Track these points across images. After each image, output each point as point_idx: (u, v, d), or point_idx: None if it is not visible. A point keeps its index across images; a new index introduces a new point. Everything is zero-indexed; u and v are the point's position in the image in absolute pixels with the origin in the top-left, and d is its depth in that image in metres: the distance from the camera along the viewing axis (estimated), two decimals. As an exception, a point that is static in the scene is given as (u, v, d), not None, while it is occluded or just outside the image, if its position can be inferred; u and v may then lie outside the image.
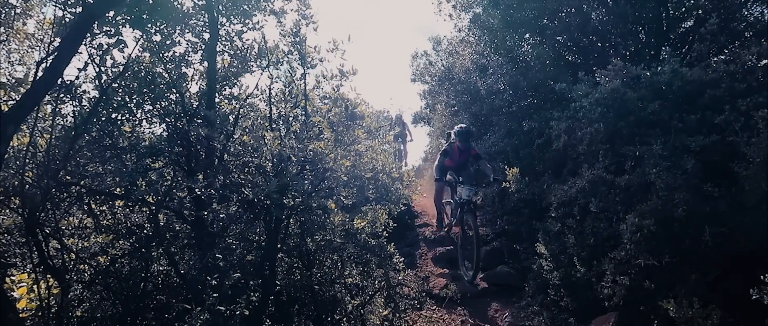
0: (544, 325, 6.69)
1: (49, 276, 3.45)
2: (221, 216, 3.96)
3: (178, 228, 3.95)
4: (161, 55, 4.28)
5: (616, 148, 7.04)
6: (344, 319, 4.84)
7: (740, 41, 8.91)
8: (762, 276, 3.71)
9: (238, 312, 3.76)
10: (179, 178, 3.82)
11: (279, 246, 4.24)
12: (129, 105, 4.12)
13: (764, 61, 7.80)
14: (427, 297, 7.78)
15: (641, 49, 10.07)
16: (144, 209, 3.86)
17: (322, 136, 4.45)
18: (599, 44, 10.58)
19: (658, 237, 5.77)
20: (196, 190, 3.56)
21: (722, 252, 5.40)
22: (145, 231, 3.80)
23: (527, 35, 11.24)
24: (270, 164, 4.02)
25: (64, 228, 3.84)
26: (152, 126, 4.45)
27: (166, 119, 4.30)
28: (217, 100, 4.56)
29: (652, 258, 5.62)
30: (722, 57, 8.63)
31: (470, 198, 7.48)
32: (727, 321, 4.60)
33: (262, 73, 4.96)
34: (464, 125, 8.15)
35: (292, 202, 3.99)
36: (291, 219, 4.25)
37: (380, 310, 5.05)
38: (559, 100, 9.32)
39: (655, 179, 6.03)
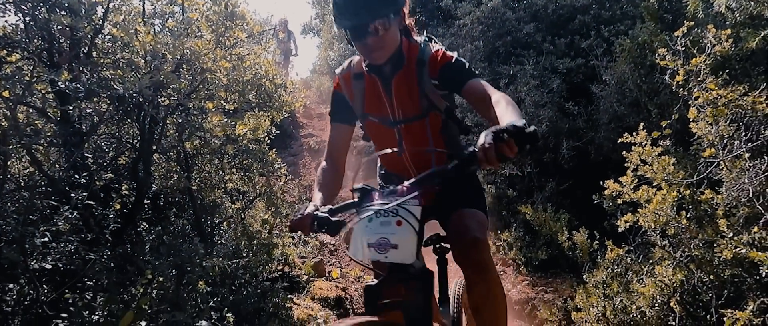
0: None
1: None
2: (88, 112, 3.75)
3: (40, 125, 3.69)
4: (13, -69, 3.80)
5: (493, 67, 7.41)
6: (224, 222, 4.88)
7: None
8: (601, 183, 4.19)
9: (111, 215, 3.66)
10: (40, 72, 3.53)
11: (154, 147, 4.11)
12: (-25, -12, 3.67)
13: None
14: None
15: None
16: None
17: (200, 34, 4.26)
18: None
19: (523, 150, 6.29)
20: (60, 84, 3.32)
21: (576, 163, 6.04)
22: (0, 128, 3.51)
23: (418, -51, 11.19)
24: (143, 61, 3.82)
25: None
26: (6, 15, 4.01)
27: (22, 7, 3.89)
28: (83, -11, 4.18)
29: (516, 169, 6.15)
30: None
31: (412, 263, 1.68)
32: (573, 223, 5.22)
33: (135, -36, 4.58)
34: None
35: (168, 101, 3.85)
36: (167, 121, 4.10)
37: (260, 214, 5.13)
38: (445, 17, 9.52)
39: (525, 97, 6.49)
